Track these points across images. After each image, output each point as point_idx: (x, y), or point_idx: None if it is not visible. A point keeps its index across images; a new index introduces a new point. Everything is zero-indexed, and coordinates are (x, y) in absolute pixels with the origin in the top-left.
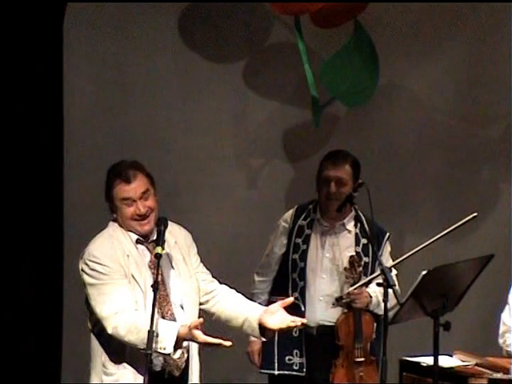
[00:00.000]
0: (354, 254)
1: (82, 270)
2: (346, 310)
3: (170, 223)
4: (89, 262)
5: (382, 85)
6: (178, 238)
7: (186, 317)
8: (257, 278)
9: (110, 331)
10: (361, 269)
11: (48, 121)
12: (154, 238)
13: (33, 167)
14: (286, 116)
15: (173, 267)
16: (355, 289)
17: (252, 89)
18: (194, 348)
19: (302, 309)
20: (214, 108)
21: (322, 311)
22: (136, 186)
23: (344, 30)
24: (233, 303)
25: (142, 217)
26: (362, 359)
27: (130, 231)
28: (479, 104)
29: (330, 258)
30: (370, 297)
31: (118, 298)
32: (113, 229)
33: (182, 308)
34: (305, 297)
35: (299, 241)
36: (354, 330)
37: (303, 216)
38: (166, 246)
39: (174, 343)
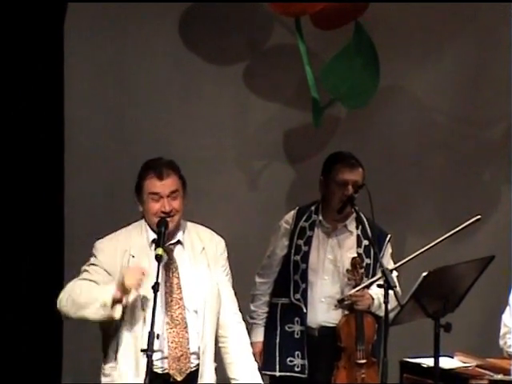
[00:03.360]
0: (356, 255)
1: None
2: (347, 312)
3: (202, 228)
4: (92, 255)
5: (383, 86)
6: (206, 245)
7: (202, 323)
8: (258, 280)
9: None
10: (363, 270)
11: (48, 121)
12: (173, 241)
13: (33, 167)
14: (286, 117)
15: (194, 272)
16: (357, 291)
17: (252, 90)
18: (208, 355)
19: (304, 310)
20: (214, 109)
21: (323, 313)
22: (167, 184)
23: (345, 32)
24: (234, 363)
25: (166, 215)
26: (364, 361)
27: (152, 229)
28: (480, 106)
29: (331, 259)
30: (372, 299)
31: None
32: (135, 226)
33: (196, 313)
34: (306, 298)
35: (301, 242)
36: (355, 332)
37: (305, 217)
38: (191, 250)
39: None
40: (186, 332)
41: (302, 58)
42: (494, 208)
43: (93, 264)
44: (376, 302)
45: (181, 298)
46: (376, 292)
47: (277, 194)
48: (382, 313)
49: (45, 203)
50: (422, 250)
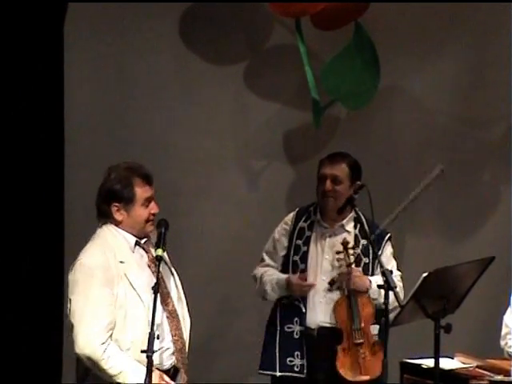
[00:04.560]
0: (346, 238)
1: (73, 280)
2: (342, 294)
3: None
4: (80, 274)
5: (383, 87)
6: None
7: (184, 312)
8: (260, 266)
9: (100, 357)
10: (353, 251)
11: (48, 121)
12: (146, 239)
13: (33, 167)
14: (286, 118)
15: (166, 264)
16: (348, 266)
17: (252, 90)
18: (187, 345)
19: (303, 310)
20: (214, 110)
21: (322, 313)
22: (153, 187)
23: (345, 32)
24: None
25: (153, 217)
26: (361, 341)
27: (131, 234)
28: (479, 106)
29: (329, 259)
30: (370, 281)
31: (97, 321)
32: (106, 234)
33: (180, 301)
34: (306, 298)
35: (300, 242)
36: (350, 313)
37: (304, 218)
38: (154, 244)
39: None
40: (179, 323)
41: (302, 58)
42: (494, 208)
43: (92, 290)
44: (374, 285)
45: (168, 292)
46: (376, 280)
47: (277, 194)
48: (381, 299)
49: (45, 203)
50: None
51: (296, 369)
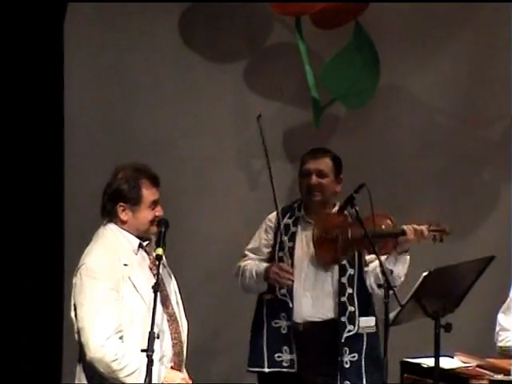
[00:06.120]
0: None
1: (79, 284)
2: None
3: None
4: (86, 278)
5: (383, 86)
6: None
7: (181, 315)
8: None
9: (114, 357)
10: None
11: (48, 121)
12: (148, 241)
13: (33, 167)
14: (286, 116)
15: (165, 267)
16: None
17: (252, 89)
18: (185, 348)
19: (290, 305)
20: (214, 108)
21: (308, 307)
22: (159, 189)
23: (344, 31)
24: None
25: (158, 219)
26: None
27: (134, 235)
28: (479, 105)
29: (312, 254)
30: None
31: (108, 324)
32: (109, 235)
33: (178, 305)
34: (292, 293)
35: (285, 239)
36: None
37: (288, 215)
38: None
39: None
40: (178, 326)
41: (301, 57)
42: (494, 207)
43: (100, 291)
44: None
45: (167, 294)
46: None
47: (277, 192)
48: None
49: (45, 204)
50: None
51: (285, 364)
